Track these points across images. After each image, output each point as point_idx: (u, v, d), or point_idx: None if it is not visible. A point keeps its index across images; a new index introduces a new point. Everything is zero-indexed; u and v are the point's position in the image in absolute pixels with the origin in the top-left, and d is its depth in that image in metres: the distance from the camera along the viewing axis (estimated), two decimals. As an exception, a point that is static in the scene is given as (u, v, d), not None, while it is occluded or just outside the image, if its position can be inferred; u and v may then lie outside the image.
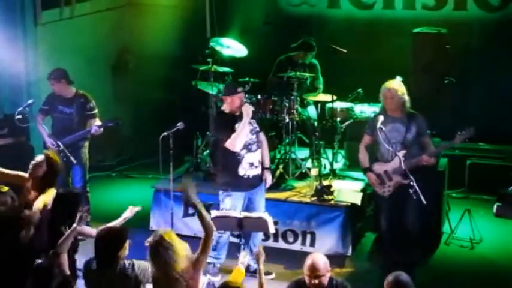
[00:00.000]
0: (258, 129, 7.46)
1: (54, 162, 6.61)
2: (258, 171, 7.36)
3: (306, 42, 9.36)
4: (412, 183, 6.59)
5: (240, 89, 7.31)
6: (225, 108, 7.36)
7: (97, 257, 5.36)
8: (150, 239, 5.24)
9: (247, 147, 7.24)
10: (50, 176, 6.54)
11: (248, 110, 7.18)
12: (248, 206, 7.34)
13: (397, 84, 7.23)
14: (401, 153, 7.01)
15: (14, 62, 9.32)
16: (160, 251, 5.15)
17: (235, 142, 7.15)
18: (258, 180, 7.41)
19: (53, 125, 8.28)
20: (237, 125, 7.18)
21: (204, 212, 5.56)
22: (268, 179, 7.50)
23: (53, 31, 9.95)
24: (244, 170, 7.25)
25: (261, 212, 7.18)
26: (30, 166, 6.56)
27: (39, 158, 6.58)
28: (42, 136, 8.43)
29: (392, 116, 7.19)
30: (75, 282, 5.79)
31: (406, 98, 7.17)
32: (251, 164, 7.28)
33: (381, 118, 7.10)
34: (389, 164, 7.17)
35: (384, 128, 7.06)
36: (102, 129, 8.30)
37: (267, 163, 7.54)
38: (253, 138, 7.34)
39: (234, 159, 7.21)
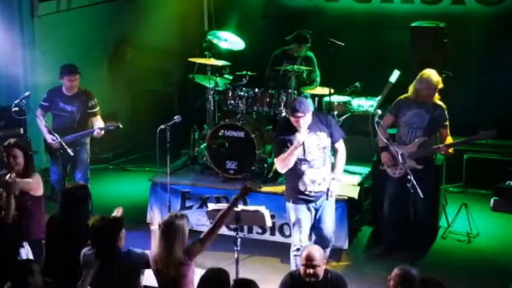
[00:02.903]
0: (326, 145, 6.75)
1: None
2: (321, 188, 6.77)
3: (300, 35, 9.32)
4: (409, 177, 6.62)
5: (299, 114, 6.49)
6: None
7: (94, 247, 5.39)
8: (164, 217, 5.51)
9: (309, 163, 6.67)
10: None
11: (300, 138, 6.49)
12: (314, 219, 6.88)
13: (437, 78, 7.44)
14: (421, 140, 7.33)
15: (10, 54, 9.30)
16: (172, 230, 5.33)
17: (280, 165, 6.68)
18: (323, 195, 6.82)
19: (53, 122, 8.22)
20: (296, 137, 6.57)
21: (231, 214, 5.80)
22: (332, 190, 6.83)
23: (50, 23, 9.92)
24: (305, 186, 6.72)
25: (330, 226, 6.91)
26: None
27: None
28: (42, 133, 8.31)
29: (420, 102, 7.43)
30: None
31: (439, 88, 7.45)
32: (313, 181, 6.72)
33: (379, 112, 7.19)
34: (406, 147, 7.36)
35: (381, 122, 7.20)
36: (103, 132, 8.27)
37: (337, 173, 6.88)
38: (319, 154, 6.69)
39: (295, 173, 6.72)
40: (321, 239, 6.91)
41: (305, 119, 6.54)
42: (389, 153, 7.48)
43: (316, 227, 6.93)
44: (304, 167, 6.68)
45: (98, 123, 8.31)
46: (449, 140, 7.43)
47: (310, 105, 6.71)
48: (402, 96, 7.65)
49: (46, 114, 8.38)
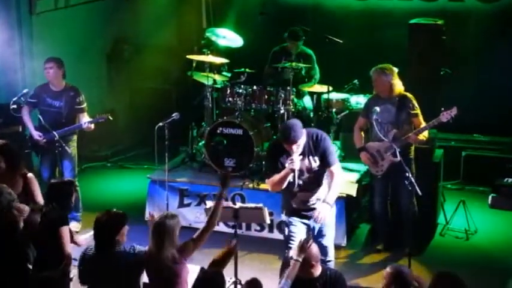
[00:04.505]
0: (317, 168, 6.35)
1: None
2: (316, 206, 6.45)
3: (292, 32, 9.29)
4: (407, 174, 6.62)
5: (289, 142, 6.14)
6: None
7: (96, 241, 5.40)
8: (157, 215, 5.51)
9: (300, 187, 6.38)
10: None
11: (291, 165, 6.17)
12: (315, 235, 6.50)
13: (383, 66, 7.52)
14: (392, 133, 7.36)
15: (8, 51, 9.29)
16: (162, 230, 5.29)
17: (271, 187, 6.48)
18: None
19: (40, 118, 8.20)
20: (286, 161, 6.23)
21: (220, 209, 5.67)
22: (319, 213, 6.36)
23: (48, 20, 9.90)
24: (297, 205, 6.46)
25: (330, 241, 6.63)
26: None
27: None
28: (28, 129, 8.31)
29: (383, 97, 7.50)
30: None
31: (394, 79, 7.45)
32: (305, 202, 6.43)
33: (377, 110, 7.29)
34: (381, 143, 7.40)
35: (380, 120, 7.32)
36: (93, 125, 8.22)
37: (329, 198, 6.41)
38: (312, 178, 6.36)
39: (288, 193, 6.47)
40: (321, 252, 6.37)
41: (297, 146, 6.20)
42: (368, 153, 7.54)
43: (315, 240, 6.46)
44: (296, 189, 6.41)
45: (85, 120, 8.22)
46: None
47: (302, 131, 6.23)
48: (369, 97, 7.83)
49: (33, 111, 8.31)
